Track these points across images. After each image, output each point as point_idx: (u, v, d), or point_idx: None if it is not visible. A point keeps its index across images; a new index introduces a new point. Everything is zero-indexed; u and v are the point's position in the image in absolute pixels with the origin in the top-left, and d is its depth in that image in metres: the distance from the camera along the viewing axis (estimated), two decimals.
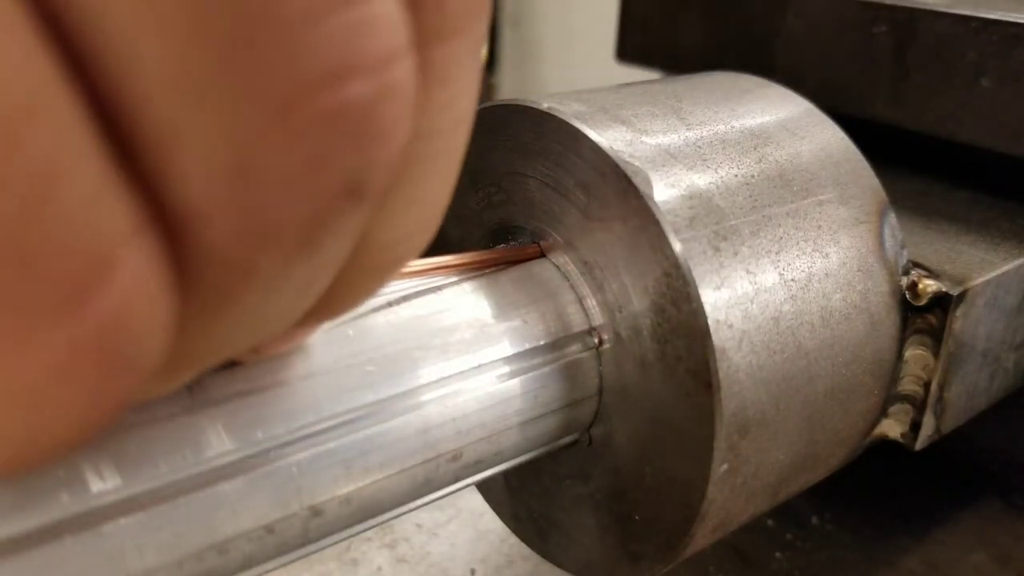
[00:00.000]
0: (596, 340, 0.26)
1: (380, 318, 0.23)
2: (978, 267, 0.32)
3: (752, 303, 0.24)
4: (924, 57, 0.37)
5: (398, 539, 0.40)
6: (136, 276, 0.12)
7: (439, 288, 0.25)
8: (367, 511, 0.22)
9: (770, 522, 0.42)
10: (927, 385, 0.30)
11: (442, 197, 0.17)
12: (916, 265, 0.30)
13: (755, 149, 0.27)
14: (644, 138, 0.25)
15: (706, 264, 0.23)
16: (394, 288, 0.24)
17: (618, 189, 0.24)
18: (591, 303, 0.26)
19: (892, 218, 0.29)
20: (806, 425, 0.26)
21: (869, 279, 0.28)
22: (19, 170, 0.10)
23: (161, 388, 0.15)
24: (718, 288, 0.23)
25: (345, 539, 0.22)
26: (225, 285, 0.13)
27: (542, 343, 0.25)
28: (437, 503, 0.27)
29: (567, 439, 0.27)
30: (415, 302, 0.24)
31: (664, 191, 0.24)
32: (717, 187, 0.25)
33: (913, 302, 0.29)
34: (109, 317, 0.11)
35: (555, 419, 0.26)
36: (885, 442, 0.31)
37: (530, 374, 0.25)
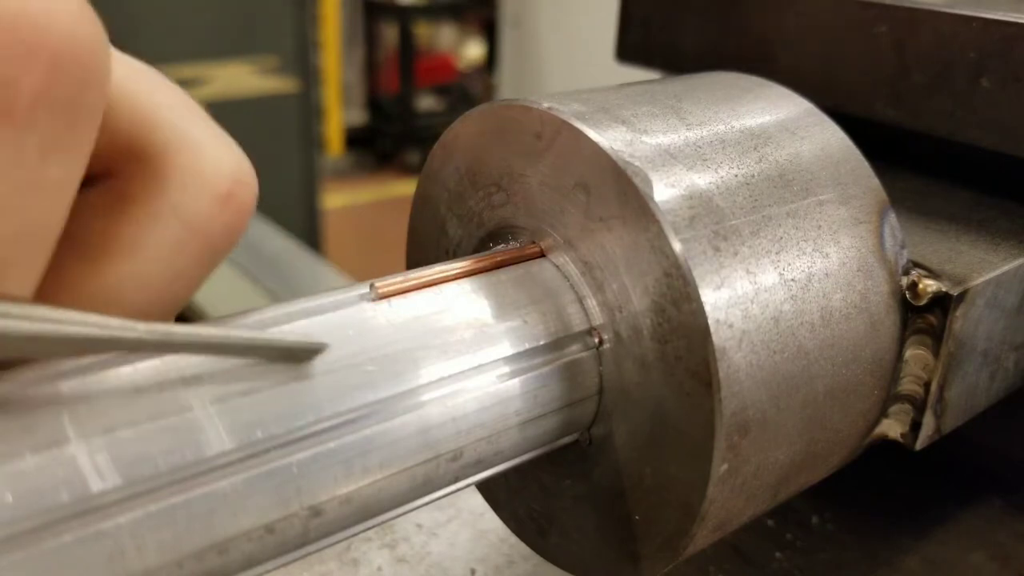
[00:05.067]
0: (596, 340, 0.26)
1: (380, 318, 0.23)
2: (978, 267, 0.31)
3: (752, 303, 0.24)
4: (924, 57, 0.37)
5: (398, 539, 0.40)
6: None
7: (439, 288, 0.25)
8: (367, 511, 0.22)
9: (770, 522, 0.42)
10: (927, 385, 0.30)
11: None
12: (916, 265, 0.30)
13: (755, 149, 0.27)
14: (644, 138, 0.25)
15: (706, 264, 0.23)
16: (394, 288, 0.24)
17: (618, 189, 0.24)
18: (591, 303, 0.26)
19: (892, 218, 0.29)
20: (806, 425, 0.26)
21: (869, 279, 0.28)
22: None
23: None
24: (718, 288, 0.23)
25: (345, 539, 0.22)
26: None
27: (542, 343, 0.25)
28: (437, 503, 0.27)
29: (567, 439, 0.27)
30: (415, 302, 0.24)
31: (664, 191, 0.24)
32: (717, 187, 0.25)
33: (913, 302, 0.29)
34: None
35: (555, 419, 0.26)
36: (885, 442, 0.31)
37: (530, 374, 0.25)
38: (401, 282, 0.24)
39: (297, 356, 0.21)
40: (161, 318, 0.21)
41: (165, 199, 0.20)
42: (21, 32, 0.15)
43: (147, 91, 0.21)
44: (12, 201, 0.16)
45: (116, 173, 0.20)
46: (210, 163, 0.21)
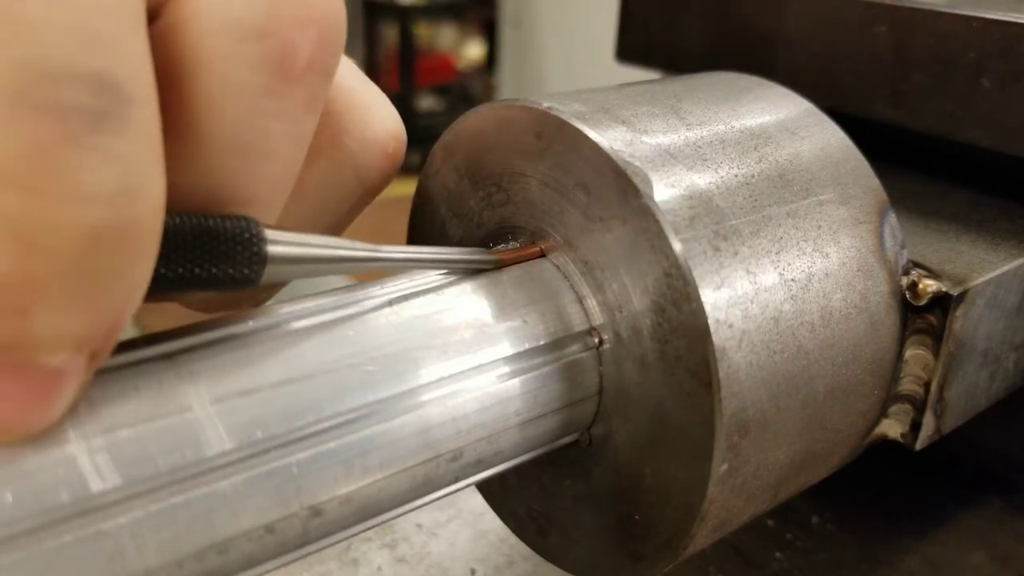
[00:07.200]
0: (596, 340, 0.26)
1: (380, 318, 0.23)
2: (978, 267, 0.31)
3: (752, 303, 0.24)
4: (924, 57, 0.37)
5: (398, 539, 0.40)
6: None
7: (439, 288, 0.25)
8: (367, 511, 0.22)
9: (770, 522, 0.42)
10: (927, 385, 0.30)
11: None
12: (916, 265, 0.30)
13: (755, 149, 0.27)
14: (644, 138, 0.25)
15: (706, 264, 0.23)
16: (395, 288, 0.24)
17: (618, 189, 0.24)
18: (591, 303, 0.26)
19: (892, 218, 0.29)
20: (806, 425, 0.26)
21: (869, 279, 0.28)
22: None
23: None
24: (718, 288, 0.23)
25: (345, 539, 0.22)
26: None
27: (542, 343, 0.25)
28: (437, 503, 0.27)
29: (567, 439, 0.27)
30: (415, 302, 0.24)
31: (664, 191, 0.24)
32: (717, 187, 0.25)
33: (913, 302, 0.29)
34: None
35: (555, 419, 0.26)
36: (885, 442, 0.31)
37: (530, 374, 0.25)
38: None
39: (481, 266, 0.25)
40: None
41: (346, 153, 0.23)
42: (303, 6, 0.18)
43: None
44: (281, 150, 0.19)
45: None
46: (380, 121, 0.24)
